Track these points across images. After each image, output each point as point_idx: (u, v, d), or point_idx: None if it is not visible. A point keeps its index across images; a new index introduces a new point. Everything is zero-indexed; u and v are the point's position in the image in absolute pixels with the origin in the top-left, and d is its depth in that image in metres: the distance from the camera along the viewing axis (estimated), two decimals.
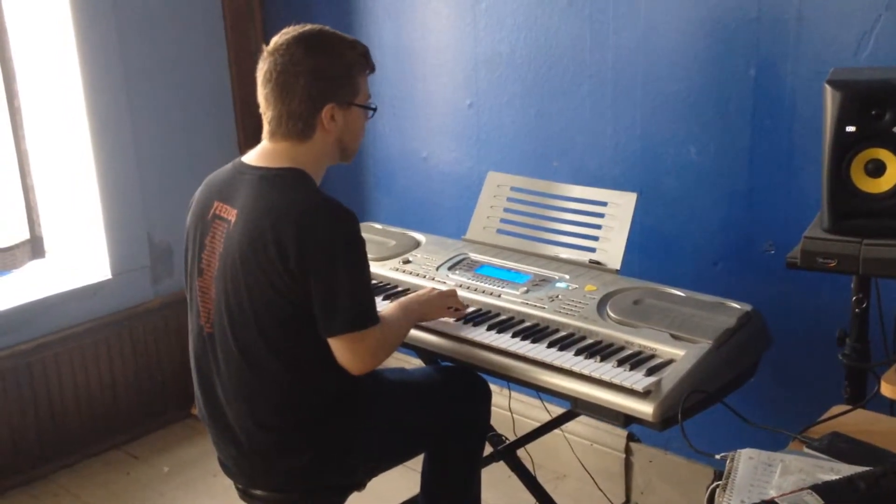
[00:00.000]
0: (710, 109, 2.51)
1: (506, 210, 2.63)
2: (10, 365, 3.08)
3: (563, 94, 2.81)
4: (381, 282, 2.47)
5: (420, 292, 2.23)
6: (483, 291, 2.31)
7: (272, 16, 3.59)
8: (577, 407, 1.95)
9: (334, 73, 1.97)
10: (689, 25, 2.52)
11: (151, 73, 3.36)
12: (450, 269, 2.46)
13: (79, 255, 3.40)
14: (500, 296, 2.29)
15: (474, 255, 2.52)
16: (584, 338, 2.06)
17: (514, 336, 2.10)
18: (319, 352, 1.91)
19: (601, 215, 2.42)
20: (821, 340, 2.32)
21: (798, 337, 2.46)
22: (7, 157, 3.02)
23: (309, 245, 1.84)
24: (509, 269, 2.42)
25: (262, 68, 1.96)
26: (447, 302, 2.20)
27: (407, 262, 2.54)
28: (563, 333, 2.10)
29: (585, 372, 1.91)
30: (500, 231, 2.62)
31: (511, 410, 2.87)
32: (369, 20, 3.27)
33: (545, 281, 2.32)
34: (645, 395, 1.81)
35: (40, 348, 3.15)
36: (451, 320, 2.18)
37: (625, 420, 1.87)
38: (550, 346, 2.04)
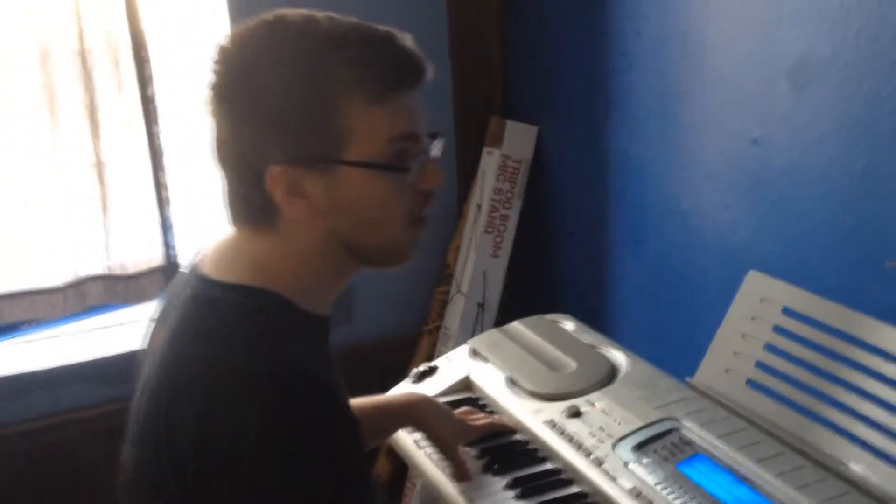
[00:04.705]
0: None
1: (768, 347, 1.47)
2: (116, 423, 2.46)
3: None
4: (520, 442, 1.48)
5: None
6: None
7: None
8: None
9: (288, 101, 0.98)
10: None
11: None
12: (637, 447, 1.38)
13: None
14: None
15: (690, 426, 1.41)
16: None
17: None
18: None
19: None
20: None
21: None
22: (139, 161, 2.35)
23: (214, 447, 0.93)
24: (736, 477, 1.29)
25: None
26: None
27: (576, 413, 1.50)
28: None
29: None
30: (751, 384, 1.47)
31: None
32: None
33: None
34: None
35: None
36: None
37: None
38: None
